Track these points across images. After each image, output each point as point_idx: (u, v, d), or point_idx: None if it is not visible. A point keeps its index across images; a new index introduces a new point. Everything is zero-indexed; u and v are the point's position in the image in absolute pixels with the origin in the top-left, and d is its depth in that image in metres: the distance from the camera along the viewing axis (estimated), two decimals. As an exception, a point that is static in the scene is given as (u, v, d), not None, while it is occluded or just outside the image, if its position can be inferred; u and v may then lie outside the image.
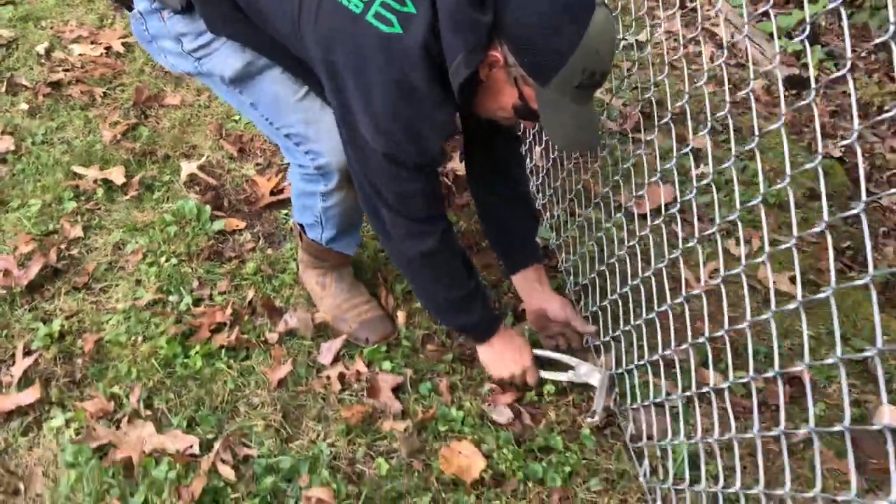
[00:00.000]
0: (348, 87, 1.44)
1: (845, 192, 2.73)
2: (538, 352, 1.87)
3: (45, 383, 1.81)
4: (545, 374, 1.86)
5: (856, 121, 1.00)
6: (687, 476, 1.61)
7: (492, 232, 1.99)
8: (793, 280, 2.15)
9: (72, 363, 1.87)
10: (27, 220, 2.23)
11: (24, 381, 1.81)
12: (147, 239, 2.21)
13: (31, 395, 1.77)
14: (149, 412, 1.77)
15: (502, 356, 1.81)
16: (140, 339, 1.92)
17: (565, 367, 1.87)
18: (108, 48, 3.04)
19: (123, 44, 3.05)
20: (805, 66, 3.38)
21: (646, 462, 1.71)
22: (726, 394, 1.43)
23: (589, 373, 1.84)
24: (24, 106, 2.69)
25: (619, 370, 1.85)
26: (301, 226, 1.93)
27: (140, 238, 2.21)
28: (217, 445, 1.68)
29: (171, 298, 2.04)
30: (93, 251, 2.18)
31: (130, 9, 1.71)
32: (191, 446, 1.68)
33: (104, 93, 2.80)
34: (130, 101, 2.74)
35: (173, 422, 1.75)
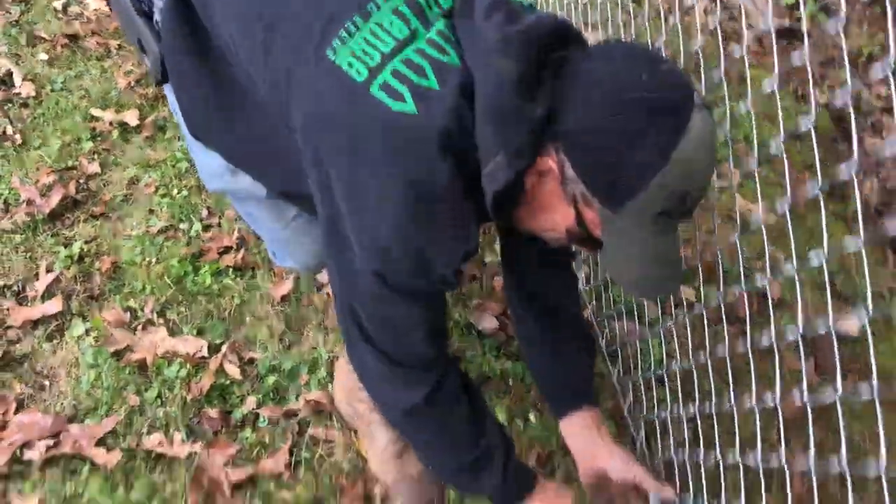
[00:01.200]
0: (336, 179, 1.05)
1: (829, 135, 2.84)
2: None
3: (66, 298, 1.95)
4: None
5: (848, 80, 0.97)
6: (653, 374, 1.73)
7: (535, 364, 1.60)
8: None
9: (90, 281, 2.02)
10: (48, 157, 2.37)
11: (47, 295, 1.96)
12: (159, 174, 2.35)
13: (54, 305, 1.92)
14: (161, 322, 1.92)
15: None
16: (153, 260, 2.07)
17: None
18: (121, 4, 3.17)
19: (137, -1, 3.18)
20: (798, 19, 3.47)
21: (619, 363, 1.85)
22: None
23: None
24: (44, 56, 2.83)
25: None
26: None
27: (153, 173, 2.35)
28: (224, 348, 1.83)
29: (182, 226, 2.19)
30: (109, 185, 2.32)
31: None
32: (200, 349, 1.83)
33: (118, 45, 2.93)
34: (143, 51, 2.87)
35: (184, 330, 1.90)
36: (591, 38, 1.72)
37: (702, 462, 1.43)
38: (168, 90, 1.39)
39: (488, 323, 1.93)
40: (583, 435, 1.48)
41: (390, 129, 0.98)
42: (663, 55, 1.09)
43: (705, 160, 1.00)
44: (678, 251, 1.12)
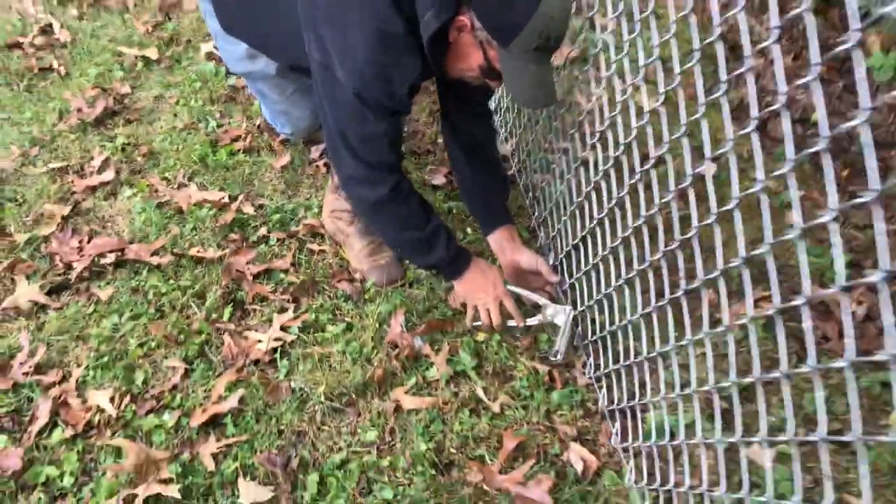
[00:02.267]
0: (328, 34, 1.58)
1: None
2: (511, 287, 1.99)
3: (116, 172, 2.55)
4: (512, 324, 1.97)
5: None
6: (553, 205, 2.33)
7: (467, 196, 2.19)
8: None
9: (133, 162, 2.61)
10: (87, 81, 2.97)
11: (101, 170, 2.55)
12: (179, 91, 2.95)
13: (107, 175, 2.51)
14: (191, 184, 2.51)
15: (475, 286, 1.93)
16: (180, 146, 2.67)
17: (534, 309, 2.03)
18: (135, -30, 3.78)
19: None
20: None
21: (531, 195, 2.44)
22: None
23: (555, 313, 1.97)
24: (74, 12, 3.43)
25: (582, 308, 2.01)
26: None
27: (173, 90, 2.95)
28: (241, 197, 2.42)
29: (200, 125, 2.78)
30: (139, 100, 2.92)
31: None
32: (223, 197, 2.42)
33: (135, 2, 3.54)
34: (157, 5, 3.48)
35: (209, 188, 2.49)
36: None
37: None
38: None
39: (438, 180, 2.54)
40: (503, 244, 2.07)
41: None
42: None
43: (561, 11, 1.49)
44: (551, 77, 1.62)
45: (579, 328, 2.05)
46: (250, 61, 2.06)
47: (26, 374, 1.89)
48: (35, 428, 1.78)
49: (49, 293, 2.11)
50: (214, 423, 1.81)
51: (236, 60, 2.09)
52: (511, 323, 1.95)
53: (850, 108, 3.30)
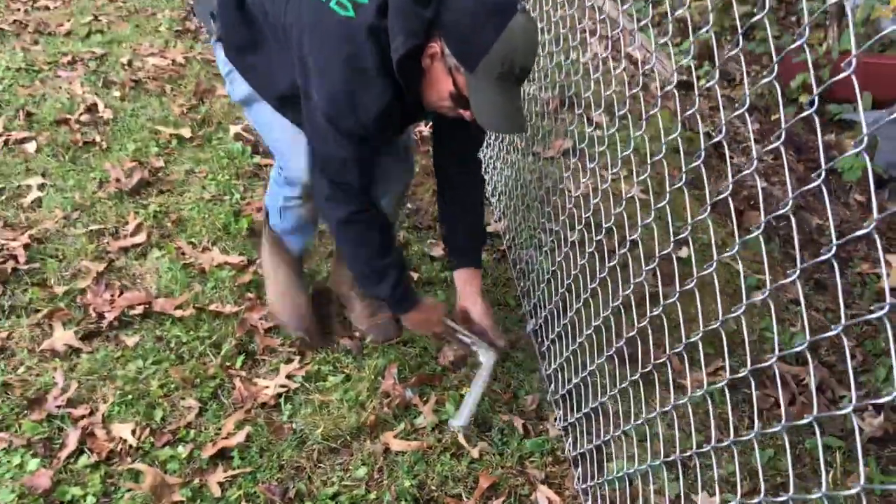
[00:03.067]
0: (310, 61, 1.68)
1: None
2: (450, 323, 2.15)
3: (147, 235, 2.83)
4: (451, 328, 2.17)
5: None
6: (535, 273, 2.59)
7: (445, 226, 2.28)
8: (643, 191, 3.16)
9: (163, 227, 2.90)
10: (126, 154, 3.30)
11: (134, 233, 2.83)
12: (208, 166, 3.27)
13: (140, 238, 2.80)
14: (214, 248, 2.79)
15: (417, 322, 2.15)
16: (207, 215, 2.96)
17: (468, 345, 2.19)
18: (173, 60, 4.18)
19: (184, 58, 4.19)
20: (696, 77, 4.47)
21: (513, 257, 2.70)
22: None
23: (485, 353, 2.14)
24: (117, 93, 3.80)
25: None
26: (267, 212, 2.34)
27: (203, 165, 3.28)
28: (258, 261, 2.70)
29: (225, 196, 3.09)
30: (171, 173, 3.24)
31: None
32: (242, 261, 2.69)
33: (172, 87, 3.91)
34: (192, 91, 3.85)
35: (230, 253, 2.77)
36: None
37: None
38: (217, 48, 2.03)
39: (437, 252, 2.82)
40: (464, 286, 2.19)
41: (339, 27, 1.62)
42: None
43: (526, 42, 1.60)
44: (518, 104, 1.71)
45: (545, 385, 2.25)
46: (257, 103, 2.04)
47: (59, 406, 2.13)
48: (64, 454, 2.00)
49: (82, 339, 2.36)
50: (223, 455, 2.03)
51: (242, 98, 2.07)
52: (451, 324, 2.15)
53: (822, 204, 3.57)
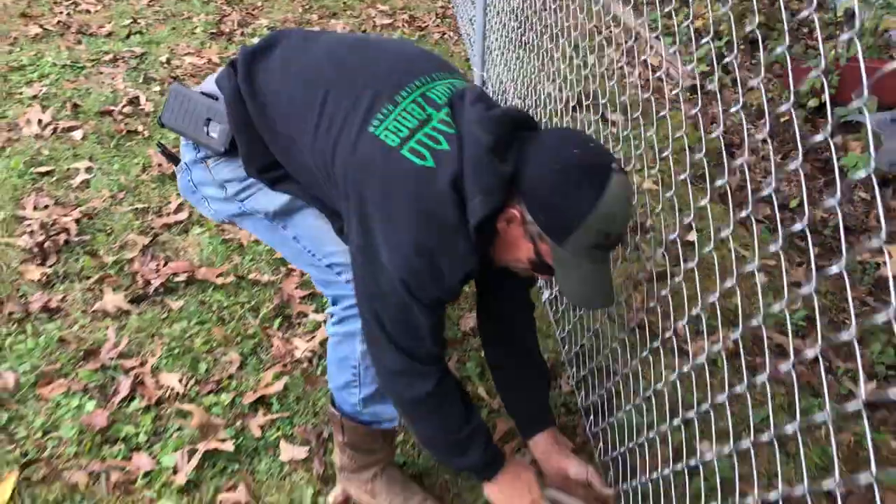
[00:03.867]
0: (374, 214, 1.39)
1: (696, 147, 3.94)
2: (550, 491, 1.75)
3: (189, 213, 3.03)
4: None
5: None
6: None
7: (505, 393, 1.97)
8: (654, 182, 3.33)
9: (202, 207, 3.10)
10: (167, 143, 3.51)
11: (176, 211, 3.04)
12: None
13: (182, 215, 3.00)
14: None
15: (509, 492, 1.69)
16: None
17: None
18: (209, 59, 4.41)
19: (219, 57, 4.42)
20: (710, 80, 4.65)
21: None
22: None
23: None
24: (157, 88, 4.03)
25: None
26: (332, 399, 1.85)
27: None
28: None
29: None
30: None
31: (178, 162, 1.77)
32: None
33: (208, 84, 4.13)
34: (227, 86, 4.07)
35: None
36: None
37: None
38: (179, 172, 1.76)
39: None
40: (548, 449, 1.85)
41: (416, 179, 1.35)
42: (591, 136, 1.46)
43: (622, 209, 1.34)
44: (609, 276, 1.46)
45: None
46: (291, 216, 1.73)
47: (111, 358, 2.32)
48: (117, 399, 2.19)
49: (131, 302, 2.56)
50: (262, 402, 2.21)
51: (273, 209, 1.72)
52: None
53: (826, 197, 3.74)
